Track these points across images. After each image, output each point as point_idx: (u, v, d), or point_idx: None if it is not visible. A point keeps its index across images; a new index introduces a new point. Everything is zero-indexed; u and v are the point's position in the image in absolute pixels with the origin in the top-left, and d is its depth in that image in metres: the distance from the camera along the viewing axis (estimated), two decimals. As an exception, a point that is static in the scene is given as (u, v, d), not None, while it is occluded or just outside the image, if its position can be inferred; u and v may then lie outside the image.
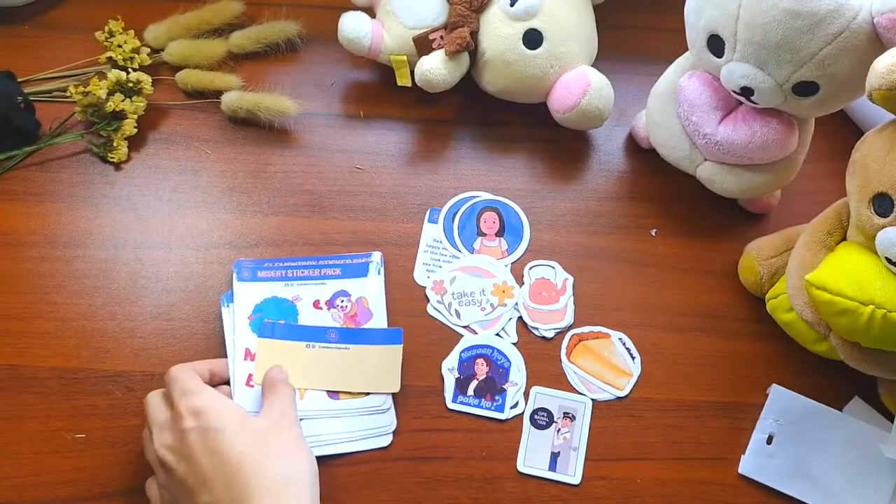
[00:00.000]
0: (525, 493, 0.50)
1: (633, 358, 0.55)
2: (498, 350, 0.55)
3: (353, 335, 0.53)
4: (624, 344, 0.56)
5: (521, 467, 0.51)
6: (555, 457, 0.52)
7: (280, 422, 0.44)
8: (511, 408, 0.53)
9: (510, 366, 0.54)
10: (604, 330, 0.56)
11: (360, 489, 0.49)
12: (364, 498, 0.49)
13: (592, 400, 0.54)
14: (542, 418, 0.53)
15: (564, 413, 0.53)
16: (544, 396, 0.53)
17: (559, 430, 0.52)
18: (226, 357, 0.51)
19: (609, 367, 0.55)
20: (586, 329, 0.56)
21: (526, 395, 0.53)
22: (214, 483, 0.40)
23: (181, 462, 0.41)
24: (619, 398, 0.54)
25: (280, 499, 0.40)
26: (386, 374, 0.52)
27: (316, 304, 0.54)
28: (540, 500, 0.50)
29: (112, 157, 0.60)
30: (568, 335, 0.56)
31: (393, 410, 0.51)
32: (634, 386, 0.54)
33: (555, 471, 0.51)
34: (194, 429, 0.41)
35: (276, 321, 0.53)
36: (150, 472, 0.46)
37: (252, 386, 0.50)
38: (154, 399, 0.46)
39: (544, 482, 0.51)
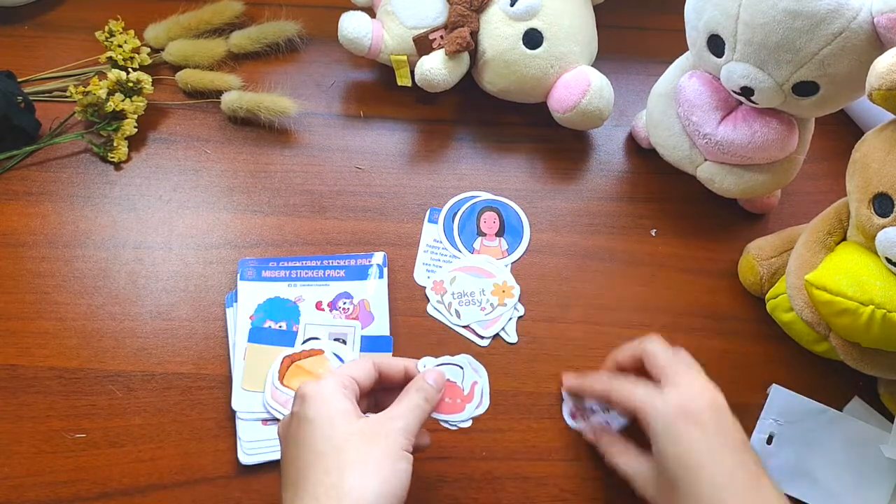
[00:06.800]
0: (525, 494, 0.50)
1: None
2: None
3: None
4: None
5: None
6: None
7: (379, 429, 0.40)
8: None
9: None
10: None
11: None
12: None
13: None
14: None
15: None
16: None
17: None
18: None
19: None
20: None
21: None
22: (288, 475, 0.40)
23: (281, 443, 0.42)
24: None
25: None
26: None
27: (318, 306, 0.54)
28: (540, 501, 0.50)
29: (112, 157, 0.60)
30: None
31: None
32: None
33: None
34: (295, 414, 0.41)
35: (265, 327, 0.53)
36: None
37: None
38: None
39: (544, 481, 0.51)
